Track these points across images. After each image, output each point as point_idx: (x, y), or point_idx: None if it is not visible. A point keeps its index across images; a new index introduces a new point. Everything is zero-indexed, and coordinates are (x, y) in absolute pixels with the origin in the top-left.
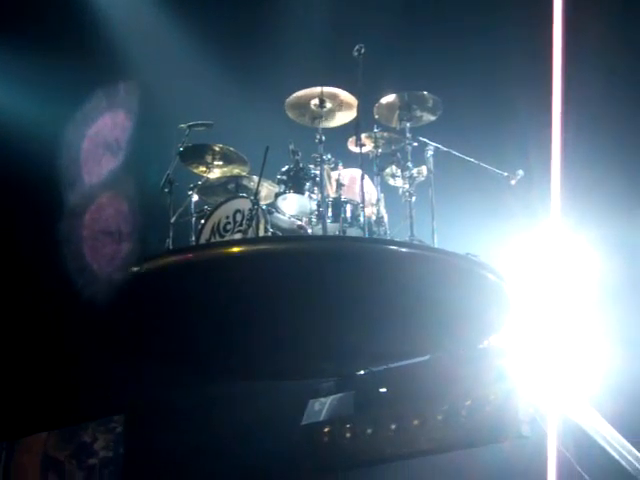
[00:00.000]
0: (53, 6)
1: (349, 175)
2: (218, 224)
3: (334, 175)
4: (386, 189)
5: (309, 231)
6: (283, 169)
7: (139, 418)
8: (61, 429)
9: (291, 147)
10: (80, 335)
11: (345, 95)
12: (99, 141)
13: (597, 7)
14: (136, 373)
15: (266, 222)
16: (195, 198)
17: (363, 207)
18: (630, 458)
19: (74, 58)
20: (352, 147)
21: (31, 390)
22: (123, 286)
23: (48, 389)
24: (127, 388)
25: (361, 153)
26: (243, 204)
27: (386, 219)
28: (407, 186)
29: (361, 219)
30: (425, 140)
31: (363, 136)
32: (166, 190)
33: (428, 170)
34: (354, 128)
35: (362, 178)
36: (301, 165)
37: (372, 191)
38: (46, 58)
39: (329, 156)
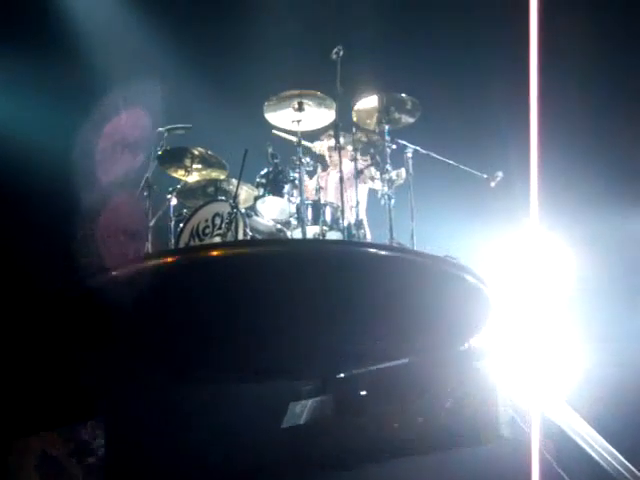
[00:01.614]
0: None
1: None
2: (197, 227)
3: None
4: (367, 193)
5: (288, 234)
6: (262, 172)
7: (120, 421)
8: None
9: (270, 150)
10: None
11: (323, 97)
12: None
13: (573, 10)
14: (117, 375)
15: (245, 225)
16: (174, 202)
17: (342, 210)
18: (610, 459)
19: (53, 63)
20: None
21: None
22: (104, 289)
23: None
24: (107, 391)
25: (340, 156)
26: (222, 207)
27: (365, 222)
28: (386, 189)
29: (341, 222)
30: (404, 142)
31: (342, 139)
32: (145, 194)
33: (407, 173)
34: (333, 130)
35: (341, 181)
36: (280, 168)
37: (352, 194)
38: (28, 65)
39: (308, 159)
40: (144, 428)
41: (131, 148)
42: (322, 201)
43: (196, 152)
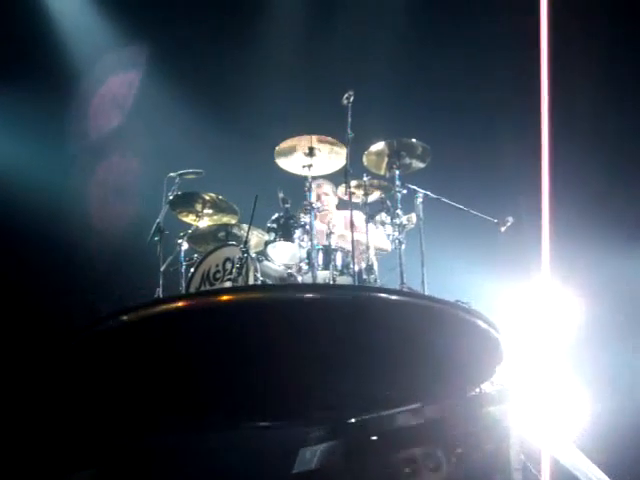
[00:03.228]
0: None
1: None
2: (208, 272)
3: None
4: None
5: (299, 279)
6: (273, 217)
7: (114, 470)
8: None
9: (280, 195)
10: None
11: (334, 143)
12: None
13: (586, 49)
14: (112, 424)
15: (256, 270)
16: (185, 246)
17: (353, 255)
18: None
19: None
20: (341, 195)
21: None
22: (113, 334)
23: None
24: (101, 440)
25: (350, 201)
26: (233, 252)
27: (376, 267)
28: (397, 233)
29: (351, 267)
30: (414, 187)
31: (352, 184)
32: (156, 238)
33: (418, 217)
34: (343, 176)
35: (352, 226)
36: (291, 213)
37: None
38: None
39: (319, 204)
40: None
41: None
42: (333, 246)
43: (207, 197)
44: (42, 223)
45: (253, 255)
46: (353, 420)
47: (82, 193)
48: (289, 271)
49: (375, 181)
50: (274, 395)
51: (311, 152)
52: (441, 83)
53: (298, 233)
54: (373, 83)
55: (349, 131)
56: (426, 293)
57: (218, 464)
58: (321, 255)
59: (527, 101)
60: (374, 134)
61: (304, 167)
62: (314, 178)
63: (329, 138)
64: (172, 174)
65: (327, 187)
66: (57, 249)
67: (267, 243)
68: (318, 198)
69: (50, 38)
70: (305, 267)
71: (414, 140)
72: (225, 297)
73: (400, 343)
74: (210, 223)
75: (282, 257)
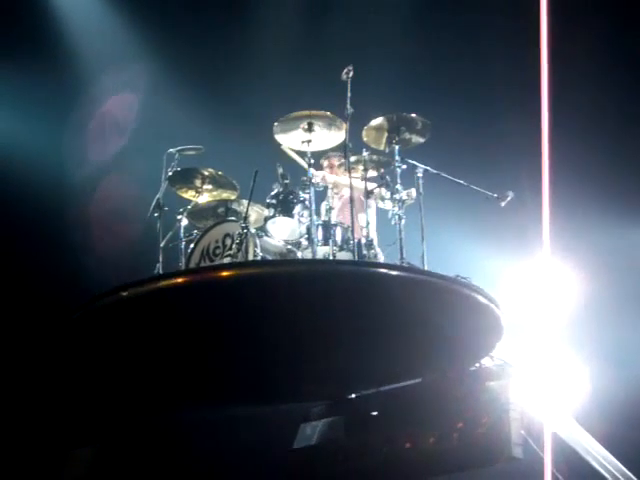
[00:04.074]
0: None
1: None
2: (208, 248)
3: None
4: (375, 212)
5: (299, 255)
6: (272, 193)
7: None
8: None
9: (280, 171)
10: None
11: (333, 118)
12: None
13: (585, 27)
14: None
15: (255, 246)
16: (184, 222)
17: (352, 230)
18: (622, 479)
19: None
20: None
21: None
22: (113, 310)
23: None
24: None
25: (350, 176)
26: (232, 228)
27: (376, 242)
28: (396, 209)
29: (351, 242)
30: (414, 162)
31: (352, 159)
32: (155, 214)
33: (417, 192)
34: (343, 151)
35: (351, 201)
36: (290, 189)
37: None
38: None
39: (318, 180)
40: (150, 450)
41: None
42: (332, 221)
43: (206, 173)
44: (42, 200)
45: (253, 231)
46: (353, 396)
47: (82, 171)
48: (289, 247)
49: (375, 156)
50: (273, 371)
51: (310, 128)
52: (441, 58)
53: (298, 209)
54: (373, 58)
55: (348, 106)
56: (426, 268)
57: (216, 441)
58: (321, 231)
59: (528, 76)
60: (374, 109)
61: (303, 142)
62: (324, 153)
63: (328, 113)
64: (171, 150)
65: (334, 160)
66: (57, 226)
67: (267, 219)
68: (331, 168)
69: (51, 16)
70: (305, 243)
71: (414, 115)
72: (225, 273)
73: (400, 318)
74: (209, 199)
75: (282, 233)
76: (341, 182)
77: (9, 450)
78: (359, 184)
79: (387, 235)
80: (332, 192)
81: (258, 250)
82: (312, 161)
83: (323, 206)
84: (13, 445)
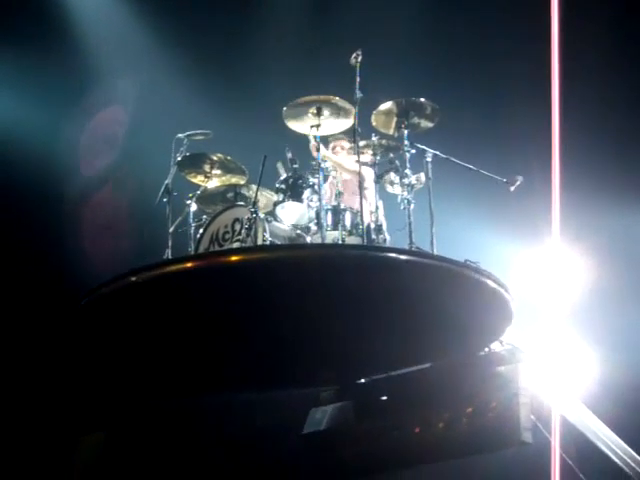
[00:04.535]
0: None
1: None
2: (217, 233)
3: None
4: (385, 196)
5: (308, 239)
6: (281, 178)
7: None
8: None
9: (289, 155)
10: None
11: (342, 102)
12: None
13: (594, 15)
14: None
15: (264, 231)
16: (194, 207)
17: (362, 215)
18: (632, 464)
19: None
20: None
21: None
22: (122, 295)
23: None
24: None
25: (359, 161)
26: (242, 213)
27: (385, 227)
28: (406, 193)
29: (360, 227)
30: (423, 147)
31: (361, 144)
32: (164, 200)
33: (426, 177)
34: (352, 135)
35: (360, 186)
36: (299, 174)
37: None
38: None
39: (327, 164)
40: (161, 435)
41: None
42: (342, 206)
43: (215, 158)
44: (51, 183)
45: (262, 216)
46: (363, 380)
47: (90, 155)
48: (298, 232)
49: (384, 141)
50: (283, 356)
51: (319, 112)
52: (451, 42)
53: (307, 193)
54: (382, 42)
55: (357, 91)
56: (435, 253)
57: (226, 425)
58: (330, 215)
59: (538, 60)
60: (382, 94)
61: (312, 127)
62: (333, 137)
63: (337, 98)
64: (180, 135)
65: (344, 142)
66: (65, 213)
67: (276, 204)
68: (334, 149)
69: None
70: (314, 227)
71: (423, 99)
72: (234, 258)
73: (409, 303)
74: (219, 184)
75: (291, 217)
76: (343, 164)
77: (20, 437)
78: (358, 168)
79: (396, 220)
80: (335, 173)
81: (267, 235)
82: (321, 146)
83: (328, 188)
84: (24, 432)
